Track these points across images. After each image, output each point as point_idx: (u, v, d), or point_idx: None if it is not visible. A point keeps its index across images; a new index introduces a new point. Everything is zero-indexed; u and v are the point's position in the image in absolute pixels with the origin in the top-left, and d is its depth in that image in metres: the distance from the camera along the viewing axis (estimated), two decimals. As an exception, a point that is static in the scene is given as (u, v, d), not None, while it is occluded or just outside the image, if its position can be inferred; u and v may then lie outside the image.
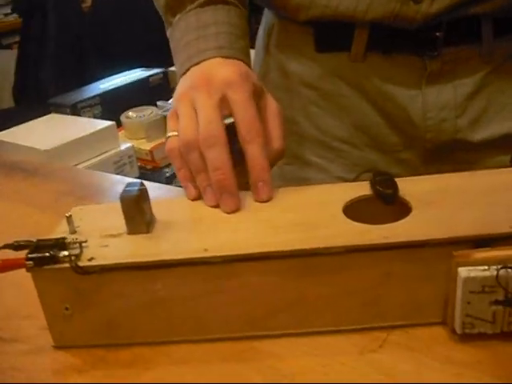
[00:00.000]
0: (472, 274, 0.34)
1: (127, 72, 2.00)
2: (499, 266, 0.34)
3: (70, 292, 0.38)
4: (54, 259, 0.37)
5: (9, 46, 2.42)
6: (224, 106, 0.43)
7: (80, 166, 1.28)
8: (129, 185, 0.41)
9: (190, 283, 0.37)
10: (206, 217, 0.42)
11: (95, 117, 1.69)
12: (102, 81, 1.90)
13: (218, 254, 0.36)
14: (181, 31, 0.52)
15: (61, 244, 0.38)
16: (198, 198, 0.44)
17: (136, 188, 0.40)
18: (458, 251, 0.35)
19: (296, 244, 0.36)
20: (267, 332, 0.38)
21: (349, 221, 0.39)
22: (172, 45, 0.53)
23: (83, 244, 0.39)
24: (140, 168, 1.55)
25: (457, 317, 0.35)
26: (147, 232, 0.40)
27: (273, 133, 0.45)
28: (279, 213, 0.41)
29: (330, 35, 0.55)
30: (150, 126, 1.68)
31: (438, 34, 0.51)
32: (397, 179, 0.42)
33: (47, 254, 0.37)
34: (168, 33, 0.55)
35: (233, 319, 0.38)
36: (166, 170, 1.49)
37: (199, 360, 0.37)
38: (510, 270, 0.34)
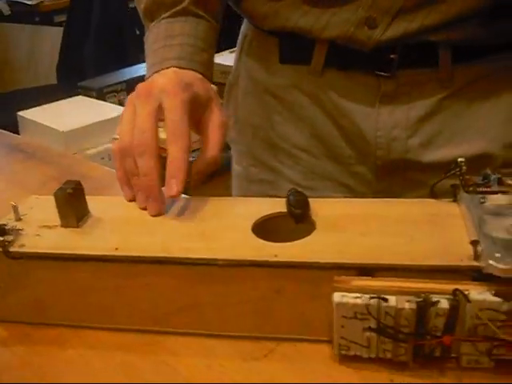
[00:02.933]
0: (344, 300, 0.35)
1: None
2: (371, 296, 0.35)
3: (2, 272, 0.43)
4: (-11, 242, 0.42)
5: (60, 24, 2.53)
6: (161, 113, 0.46)
7: (95, 150, 1.35)
8: (66, 183, 0.45)
9: (101, 277, 0.41)
10: (133, 218, 0.46)
11: (120, 102, 1.75)
12: (131, 67, 1.96)
13: (125, 254, 0.40)
14: (152, 37, 0.55)
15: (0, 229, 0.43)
16: (134, 199, 0.47)
17: (71, 186, 0.44)
18: (339, 277, 0.37)
19: (193, 253, 0.39)
20: (167, 329, 0.41)
21: (252, 236, 0.41)
22: (145, 49, 0.57)
23: (20, 232, 0.44)
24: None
25: (334, 338, 0.37)
26: (77, 226, 0.44)
27: (210, 141, 0.48)
28: (193, 222, 0.44)
29: (293, 48, 0.57)
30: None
31: (392, 56, 0.52)
32: (314, 199, 0.44)
33: (-18, 237, 0.42)
34: (145, 36, 0.58)
35: (139, 313, 0.42)
36: None
37: (106, 347, 0.41)
38: (381, 300, 0.35)
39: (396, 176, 0.58)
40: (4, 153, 0.78)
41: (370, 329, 0.36)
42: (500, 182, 0.42)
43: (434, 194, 0.44)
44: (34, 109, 1.49)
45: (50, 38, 2.57)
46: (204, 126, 0.49)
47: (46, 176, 0.69)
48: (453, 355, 0.37)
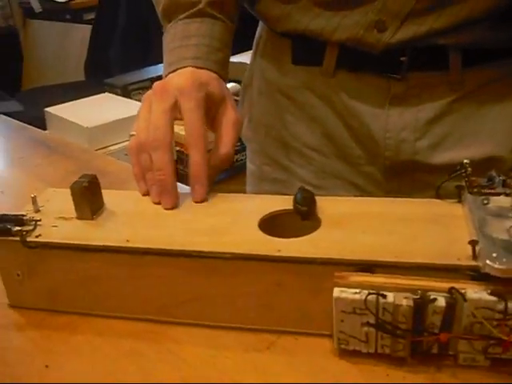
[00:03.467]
0: (343, 295, 0.36)
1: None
2: (369, 291, 0.36)
3: (20, 261, 0.45)
4: (9, 232, 0.44)
5: (90, 22, 2.58)
6: (176, 110, 0.48)
7: (118, 146, 1.38)
8: (83, 176, 0.47)
9: (112, 267, 0.43)
10: (146, 211, 0.47)
11: (144, 100, 1.78)
12: (156, 66, 1.99)
13: (134, 246, 0.42)
14: (170, 38, 0.57)
15: (18, 220, 0.45)
16: (148, 194, 0.49)
17: (87, 180, 0.46)
18: (340, 272, 0.38)
19: (198, 246, 0.41)
20: (174, 319, 0.43)
21: (258, 231, 0.42)
22: (163, 49, 0.58)
23: (38, 222, 0.46)
24: (178, 152, 1.61)
25: (334, 332, 0.38)
26: (92, 219, 0.46)
27: (224, 139, 0.49)
28: (202, 216, 0.45)
29: (305, 49, 0.58)
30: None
31: (402, 58, 0.52)
32: (321, 198, 0.45)
33: (0, 226, 0.44)
34: (163, 37, 0.60)
35: (147, 303, 0.43)
36: None
37: (114, 334, 0.43)
38: (379, 296, 0.36)
39: (405, 177, 0.58)
40: (29, 147, 0.81)
41: (368, 324, 0.37)
42: (505, 184, 0.43)
43: (439, 195, 0.45)
44: (60, 105, 1.53)
45: (80, 36, 2.62)
46: (218, 124, 0.50)
47: (66, 170, 0.71)
48: (450, 353, 0.37)
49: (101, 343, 0.42)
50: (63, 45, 2.77)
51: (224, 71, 0.54)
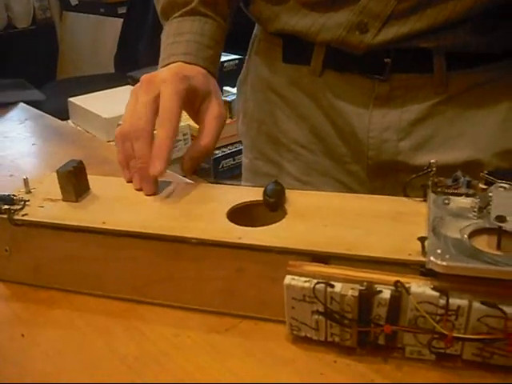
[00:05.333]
0: (293, 283, 0.38)
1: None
2: (318, 280, 0.38)
3: (8, 237, 0.48)
4: (-2, 210, 0.48)
5: (123, 16, 2.64)
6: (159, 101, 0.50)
7: None
8: (70, 161, 0.50)
9: (90, 248, 0.46)
10: (127, 197, 0.50)
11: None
12: None
13: (109, 228, 0.44)
14: (165, 35, 0.59)
15: (8, 199, 0.49)
16: (131, 180, 0.52)
17: (72, 165, 0.49)
18: (294, 261, 0.39)
19: (167, 230, 0.43)
20: (145, 299, 0.45)
21: (225, 219, 0.44)
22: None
23: (27, 203, 0.49)
24: (192, 143, 1.64)
25: (286, 319, 0.40)
26: (76, 201, 0.49)
27: (205, 131, 0.51)
28: (178, 204, 0.47)
29: (295, 49, 0.60)
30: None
31: (386, 60, 0.53)
32: (291, 191, 0.47)
33: (-9, 205, 0.47)
34: (161, 34, 0.62)
35: (121, 283, 0.46)
36: (217, 151, 1.58)
37: (90, 311, 0.46)
38: (327, 286, 0.38)
39: (388, 177, 0.59)
40: (42, 134, 0.85)
41: (318, 312, 0.38)
42: (469, 185, 0.44)
43: (405, 193, 0.46)
44: (83, 96, 1.59)
45: (113, 29, 2.69)
46: (201, 117, 0.52)
47: (73, 157, 0.74)
48: (399, 346, 0.39)
49: (76, 318, 0.45)
50: (97, 37, 2.85)
51: (213, 67, 0.56)
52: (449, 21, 0.49)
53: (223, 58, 2.05)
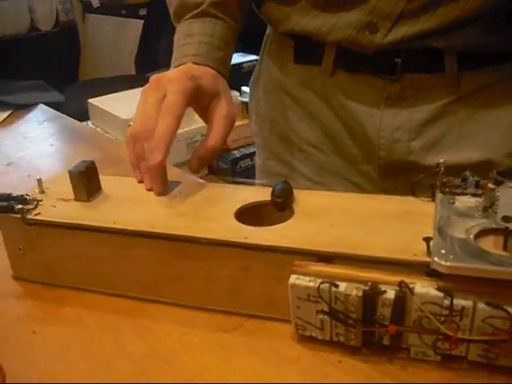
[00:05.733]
0: (297, 282, 0.38)
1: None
2: (323, 280, 0.38)
3: (21, 236, 0.49)
4: (12, 209, 0.49)
5: (144, 17, 2.66)
6: None
7: None
8: (82, 162, 0.51)
9: (100, 247, 0.46)
10: (138, 197, 0.50)
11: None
12: None
13: (120, 227, 0.45)
14: (176, 37, 0.60)
15: (22, 199, 0.50)
16: (143, 180, 0.52)
17: (84, 165, 0.50)
18: (300, 261, 0.40)
19: (179, 230, 0.43)
20: (154, 297, 0.46)
21: (233, 219, 0.45)
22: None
23: (40, 202, 0.50)
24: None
25: (292, 318, 0.40)
26: (87, 201, 0.50)
27: (213, 131, 0.52)
28: (187, 203, 0.48)
29: (306, 49, 0.60)
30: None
31: (397, 60, 0.53)
32: (298, 190, 0.47)
33: (5, 204, 0.48)
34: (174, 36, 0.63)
35: (131, 282, 0.47)
36: (235, 151, 1.58)
37: (100, 309, 0.47)
38: (332, 286, 0.38)
39: (400, 177, 0.59)
40: (60, 135, 0.87)
41: (322, 312, 0.39)
42: (477, 185, 0.43)
43: (413, 193, 0.46)
44: (102, 97, 1.61)
45: (134, 31, 2.72)
46: (210, 117, 0.53)
47: (89, 157, 0.75)
48: (404, 346, 0.39)
49: (85, 316, 0.46)
50: (118, 39, 2.88)
51: (224, 68, 0.57)
52: (459, 20, 0.49)
53: (242, 59, 2.06)
